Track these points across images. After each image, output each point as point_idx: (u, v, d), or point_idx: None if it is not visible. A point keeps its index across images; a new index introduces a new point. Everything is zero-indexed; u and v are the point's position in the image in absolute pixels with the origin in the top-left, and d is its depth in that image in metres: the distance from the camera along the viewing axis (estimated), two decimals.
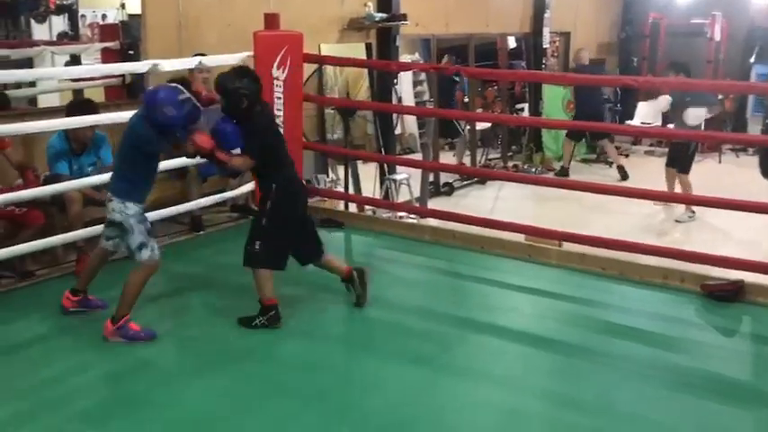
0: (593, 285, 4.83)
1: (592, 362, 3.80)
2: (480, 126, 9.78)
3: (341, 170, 7.12)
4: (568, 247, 5.26)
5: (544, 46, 10.27)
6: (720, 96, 10.70)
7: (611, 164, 9.68)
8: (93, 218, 4.81)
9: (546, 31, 10.21)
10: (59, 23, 6.97)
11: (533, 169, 9.71)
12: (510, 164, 9.90)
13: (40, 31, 6.81)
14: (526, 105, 10.42)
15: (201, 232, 5.70)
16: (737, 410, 3.38)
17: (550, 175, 9.20)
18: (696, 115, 7.32)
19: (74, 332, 3.99)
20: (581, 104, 9.40)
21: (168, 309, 4.36)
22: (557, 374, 3.71)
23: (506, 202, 8.00)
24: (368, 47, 7.57)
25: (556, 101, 10.12)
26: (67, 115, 4.89)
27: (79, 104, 5.12)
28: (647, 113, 10.22)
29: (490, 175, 8.71)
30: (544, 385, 3.57)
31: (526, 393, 3.46)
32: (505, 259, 5.24)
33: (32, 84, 6.13)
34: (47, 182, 4.80)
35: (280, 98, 5.66)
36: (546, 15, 10.08)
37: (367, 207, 6.76)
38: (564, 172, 9.37)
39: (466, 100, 10.01)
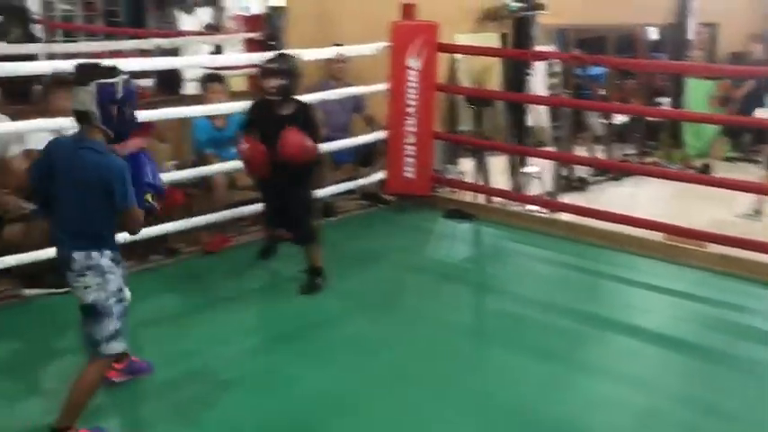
0: (737, 289, 4.57)
1: (736, 369, 3.59)
2: (616, 120, 9.44)
3: (466, 162, 7.08)
4: (711, 248, 4.99)
5: (688, 38, 9.77)
6: None
7: (756, 162, 9.08)
8: (234, 200, 5.06)
9: (691, 22, 9.70)
10: (206, 15, 7.32)
11: (672, 167, 9.26)
12: (647, 160, 9.49)
13: (187, 23, 7.18)
14: (667, 100, 9.95)
15: (332, 218, 5.81)
16: None
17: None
18: None
19: (212, 308, 4.17)
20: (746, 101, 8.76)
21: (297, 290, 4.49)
22: (697, 379, 3.54)
23: (643, 199, 7.65)
24: (503, 37, 7.46)
25: (700, 96, 9.60)
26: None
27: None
28: None
29: (629, 170, 8.34)
30: (683, 389, 3.42)
31: (664, 396, 3.32)
32: (643, 258, 5.03)
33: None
34: (194, 165, 5.06)
35: (413, 88, 5.68)
36: (692, 5, 9.58)
37: (496, 199, 6.68)
38: (706, 170, 8.88)
39: (602, 93, 9.68)
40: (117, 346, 2.78)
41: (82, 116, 2.66)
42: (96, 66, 2.76)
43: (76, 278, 2.70)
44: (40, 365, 3.53)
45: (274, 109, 4.19)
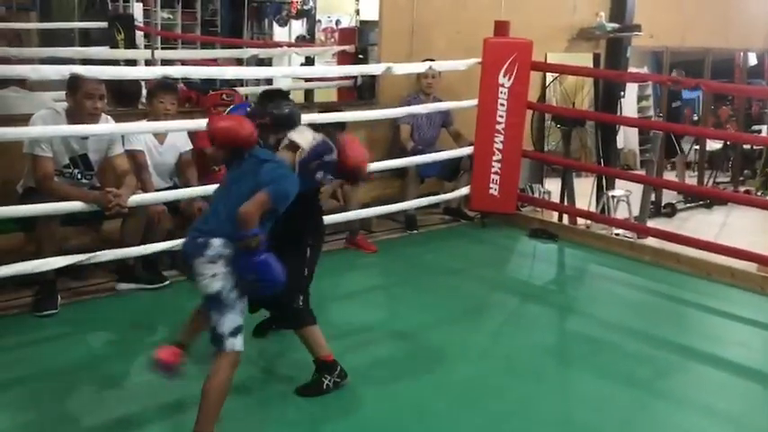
0: None
1: None
2: (710, 146, 9.18)
3: (551, 182, 7.00)
4: None
5: None
6: None
7: None
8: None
9: None
10: (297, 27, 7.50)
11: None
12: (741, 189, 9.17)
13: (280, 34, 7.38)
14: (765, 128, 9.63)
15: (415, 231, 5.83)
16: None
17: None
18: None
19: None
20: None
21: (379, 300, 4.53)
22: None
23: (735, 228, 7.41)
24: (596, 57, 7.37)
25: None
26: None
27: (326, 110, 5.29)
28: None
29: (721, 197, 8.07)
30: None
31: None
32: (734, 289, 4.86)
33: (269, 82, 6.63)
34: None
35: (503, 105, 5.67)
36: None
37: (581, 221, 6.58)
38: None
39: (695, 118, 9.43)
40: (239, 343, 2.73)
41: (291, 145, 2.92)
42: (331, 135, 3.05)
43: (207, 264, 2.70)
44: (130, 358, 3.66)
45: None
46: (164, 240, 4.28)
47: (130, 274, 4.37)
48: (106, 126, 4.11)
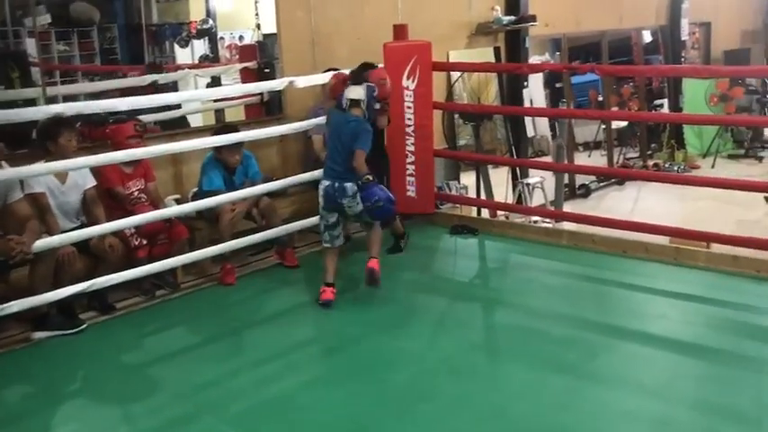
0: (746, 289, 4.54)
1: (746, 369, 3.56)
2: (616, 125, 9.48)
3: (468, 176, 7.09)
4: (718, 248, 4.98)
5: (682, 38, 9.81)
6: None
7: (760, 159, 9.10)
8: (240, 230, 5.05)
9: (684, 23, 9.75)
10: (200, 47, 7.36)
11: (675, 167, 9.27)
12: (650, 163, 9.50)
13: (182, 55, 7.22)
14: (665, 101, 9.99)
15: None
16: None
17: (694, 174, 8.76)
18: None
19: (223, 339, 4.18)
20: None
21: (306, 317, 4.49)
22: (710, 383, 3.51)
23: (647, 203, 7.67)
24: (496, 51, 7.50)
25: (698, 95, 9.63)
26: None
27: (224, 128, 5.27)
28: None
29: (630, 176, 8.36)
30: (697, 394, 3.39)
31: (678, 403, 3.29)
32: (650, 263, 5.02)
33: (178, 106, 6.47)
34: (197, 197, 5.05)
35: (410, 107, 5.71)
36: (684, 6, 9.63)
37: (500, 212, 6.69)
38: None
39: (600, 98, 9.72)
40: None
41: (354, 102, 4.47)
42: (363, 77, 4.70)
43: (351, 199, 4.40)
44: (51, 410, 3.52)
45: None
46: (76, 282, 4.14)
47: (45, 321, 4.20)
48: (4, 172, 3.94)
